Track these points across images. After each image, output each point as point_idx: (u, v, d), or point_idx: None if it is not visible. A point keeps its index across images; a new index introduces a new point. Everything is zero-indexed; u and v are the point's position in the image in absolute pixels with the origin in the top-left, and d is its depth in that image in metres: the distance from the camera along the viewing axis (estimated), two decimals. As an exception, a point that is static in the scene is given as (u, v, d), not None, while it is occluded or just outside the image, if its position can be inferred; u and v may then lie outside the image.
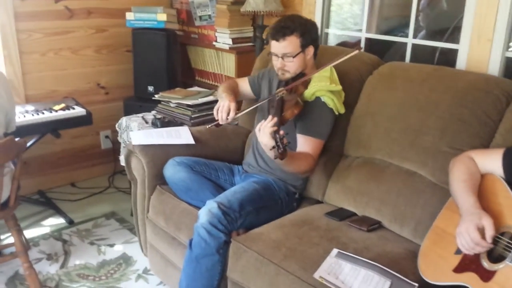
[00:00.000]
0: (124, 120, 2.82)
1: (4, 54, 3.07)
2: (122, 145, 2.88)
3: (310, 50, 2.17)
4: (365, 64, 2.34)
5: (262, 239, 1.85)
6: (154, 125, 2.67)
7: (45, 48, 3.26)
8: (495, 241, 1.44)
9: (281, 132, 1.76)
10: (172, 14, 3.34)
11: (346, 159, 2.26)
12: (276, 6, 2.84)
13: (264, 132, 1.80)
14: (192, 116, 2.72)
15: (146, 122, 2.74)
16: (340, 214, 2.06)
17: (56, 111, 2.88)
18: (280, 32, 2.11)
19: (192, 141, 2.38)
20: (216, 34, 3.26)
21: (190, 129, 2.48)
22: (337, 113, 2.15)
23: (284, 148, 1.72)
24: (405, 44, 2.60)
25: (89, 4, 3.38)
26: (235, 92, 2.37)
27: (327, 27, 2.98)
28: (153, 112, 2.87)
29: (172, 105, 2.80)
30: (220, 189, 2.24)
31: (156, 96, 2.89)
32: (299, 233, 1.88)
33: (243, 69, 3.11)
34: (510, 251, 1.40)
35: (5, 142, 2.03)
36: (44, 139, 3.05)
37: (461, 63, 2.31)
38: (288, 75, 2.18)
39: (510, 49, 2.17)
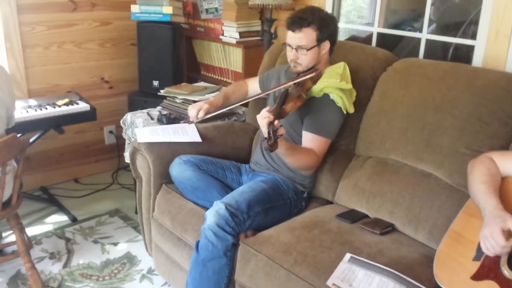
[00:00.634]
0: (129, 116, 2.76)
1: (7, 47, 3.01)
2: (127, 141, 2.82)
3: (326, 45, 2.10)
4: (379, 60, 2.26)
5: (272, 242, 1.79)
6: (160, 121, 2.61)
7: (48, 41, 3.20)
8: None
9: (276, 122, 1.74)
10: (178, 7, 3.27)
11: (357, 158, 2.19)
12: (285, -1, 2.76)
13: (259, 121, 1.81)
14: (199, 112, 2.65)
15: (152, 118, 2.68)
16: (352, 216, 2.00)
17: (60, 106, 2.82)
18: (297, 23, 2.05)
19: (199, 139, 2.32)
20: (223, 27, 3.19)
21: (197, 126, 2.41)
22: (345, 112, 2.08)
23: (275, 140, 1.70)
24: (413, 38, 2.52)
25: (93, -4, 3.32)
26: (226, 98, 2.40)
27: (338, 21, 2.90)
28: (159, 107, 2.80)
29: (178, 101, 2.73)
30: (227, 188, 2.19)
31: (162, 92, 2.83)
32: (310, 236, 1.81)
33: (250, 64, 3.06)
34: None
35: (7, 139, 1.97)
36: (47, 134, 3.00)
37: (478, 60, 2.24)
38: (299, 68, 2.12)
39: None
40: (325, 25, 2.06)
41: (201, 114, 2.25)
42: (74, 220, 2.96)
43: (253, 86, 2.46)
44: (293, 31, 2.06)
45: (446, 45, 2.59)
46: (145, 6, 3.18)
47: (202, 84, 3.05)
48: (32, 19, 3.09)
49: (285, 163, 2.08)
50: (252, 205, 1.93)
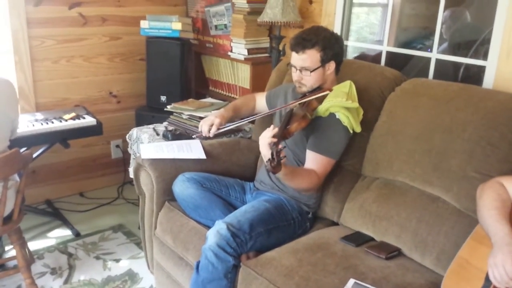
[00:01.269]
0: (135, 131, 2.75)
1: (16, 61, 3.02)
2: (132, 156, 2.80)
3: (331, 65, 2.07)
4: (387, 79, 2.22)
5: (274, 265, 1.74)
6: (165, 137, 2.59)
7: (57, 55, 3.21)
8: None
9: (280, 146, 1.71)
10: (187, 23, 3.27)
11: (364, 179, 2.14)
12: (294, 17, 2.74)
13: (262, 142, 1.79)
14: (204, 128, 2.63)
15: (157, 134, 2.66)
16: (357, 239, 1.95)
17: (66, 120, 2.81)
18: (301, 44, 2.02)
19: (203, 156, 2.29)
20: (232, 44, 3.19)
21: (202, 142, 2.39)
22: (351, 132, 2.04)
23: (278, 162, 1.67)
24: (423, 57, 2.48)
25: (103, 11, 3.33)
26: (236, 110, 2.38)
27: (347, 39, 2.88)
28: (165, 123, 2.79)
29: (184, 116, 2.72)
30: (231, 206, 2.16)
31: (168, 107, 2.82)
32: (313, 259, 1.76)
33: (258, 81, 3.05)
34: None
35: (10, 154, 1.96)
36: (53, 147, 2.98)
37: (488, 80, 2.19)
38: (304, 89, 2.10)
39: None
40: (329, 45, 2.02)
41: (213, 130, 2.22)
42: (77, 235, 2.94)
43: (261, 101, 2.44)
44: (297, 52, 2.04)
45: (456, 64, 2.55)
46: (155, 22, 3.19)
47: (208, 100, 3.03)
48: (41, 33, 3.11)
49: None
50: (255, 225, 1.88)
